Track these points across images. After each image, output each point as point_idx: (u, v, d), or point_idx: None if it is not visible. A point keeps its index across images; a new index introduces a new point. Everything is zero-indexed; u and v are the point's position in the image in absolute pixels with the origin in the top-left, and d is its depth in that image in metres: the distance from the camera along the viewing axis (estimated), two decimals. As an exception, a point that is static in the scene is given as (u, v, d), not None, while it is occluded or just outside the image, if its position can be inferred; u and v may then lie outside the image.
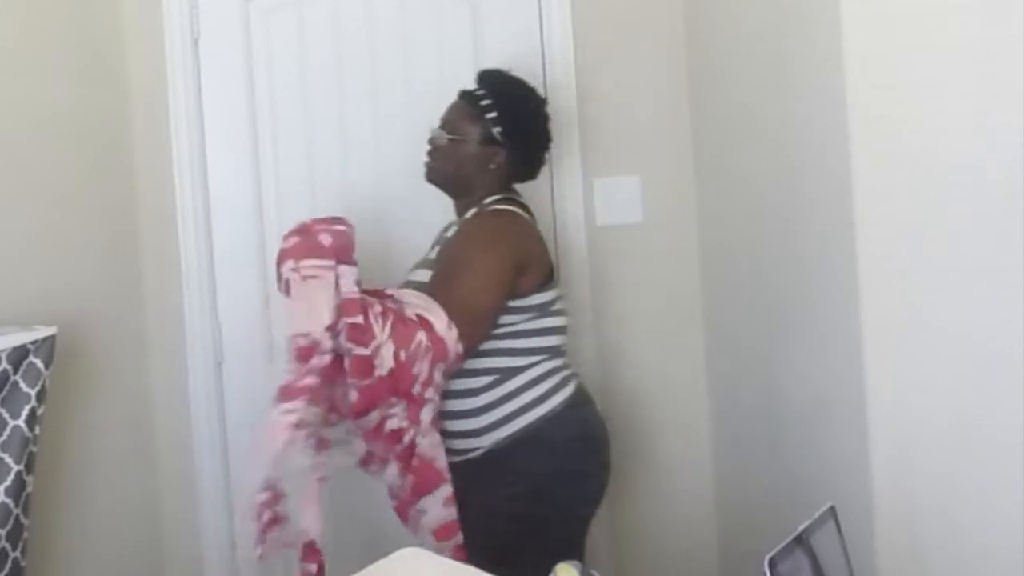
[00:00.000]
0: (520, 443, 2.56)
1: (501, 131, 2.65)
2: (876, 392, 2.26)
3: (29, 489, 2.40)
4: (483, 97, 2.67)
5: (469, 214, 2.66)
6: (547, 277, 2.64)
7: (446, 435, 2.54)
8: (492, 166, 2.67)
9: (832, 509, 1.70)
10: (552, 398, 2.59)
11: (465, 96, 2.70)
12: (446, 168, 2.69)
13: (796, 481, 2.66)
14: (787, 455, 2.73)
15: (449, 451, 2.54)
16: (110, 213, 3.07)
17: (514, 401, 2.58)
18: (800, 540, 1.58)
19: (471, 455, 2.58)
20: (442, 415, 2.53)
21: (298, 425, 2.32)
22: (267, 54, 3.22)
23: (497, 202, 2.66)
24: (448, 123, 2.68)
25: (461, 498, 2.50)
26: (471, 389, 2.57)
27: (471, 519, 2.50)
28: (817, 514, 1.66)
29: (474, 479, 2.56)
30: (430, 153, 2.70)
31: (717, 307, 3.23)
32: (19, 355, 2.36)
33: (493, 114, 2.65)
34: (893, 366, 2.25)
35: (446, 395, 2.53)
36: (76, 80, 2.96)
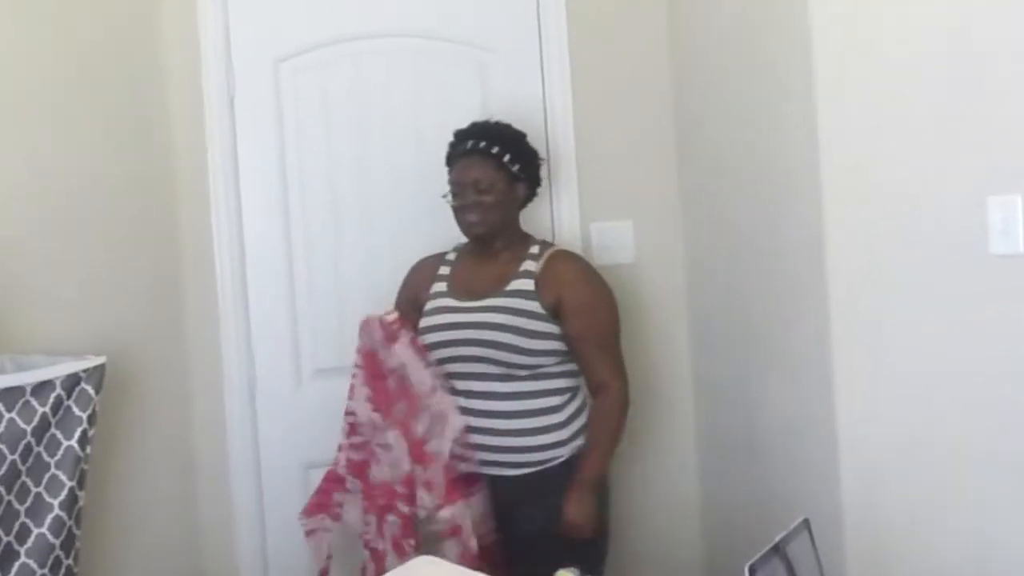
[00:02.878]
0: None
1: (519, 168, 2.72)
2: (845, 413, 2.29)
3: (81, 503, 2.41)
4: (490, 146, 2.70)
5: (544, 254, 2.71)
6: None
7: (528, 450, 2.62)
8: (520, 200, 2.77)
9: (806, 521, 1.71)
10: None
11: (477, 154, 2.71)
12: (496, 220, 2.71)
13: (773, 495, 2.66)
14: (765, 471, 2.73)
15: (524, 464, 2.62)
16: (155, 258, 3.08)
17: (585, 412, 2.69)
18: (777, 549, 1.59)
19: (549, 464, 2.63)
20: (525, 432, 2.62)
21: None
22: (295, 111, 3.22)
23: (549, 245, 2.78)
24: (479, 182, 2.68)
25: (532, 503, 2.60)
26: (554, 406, 2.65)
27: (543, 519, 2.56)
28: (792, 526, 1.68)
29: (549, 485, 2.61)
30: (476, 214, 2.69)
31: (702, 338, 3.23)
32: (72, 382, 2.37)
33: (507, 156, 2.70)
34: (860, 389, 2.27)
35: (529, 414, 2.62)
36: (126, 137, 2.98)
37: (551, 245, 2.78)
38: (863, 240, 2.26)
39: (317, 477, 3.00)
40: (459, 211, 2.72)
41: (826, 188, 2.28)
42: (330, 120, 3.23)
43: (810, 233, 2.33)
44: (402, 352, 2.60)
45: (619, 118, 3.29)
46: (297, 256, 3.22)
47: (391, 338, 2.61)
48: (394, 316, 2.65)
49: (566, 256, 2.74)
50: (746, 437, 2.86)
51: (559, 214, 3.24)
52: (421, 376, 2.59)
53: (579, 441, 2.65)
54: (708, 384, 3.21)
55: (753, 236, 2.73)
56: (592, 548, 2.63)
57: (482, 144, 2.71)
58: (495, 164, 2.70)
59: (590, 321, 2.64)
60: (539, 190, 2.85)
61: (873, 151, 2.24)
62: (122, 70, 3.00)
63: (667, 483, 3.33)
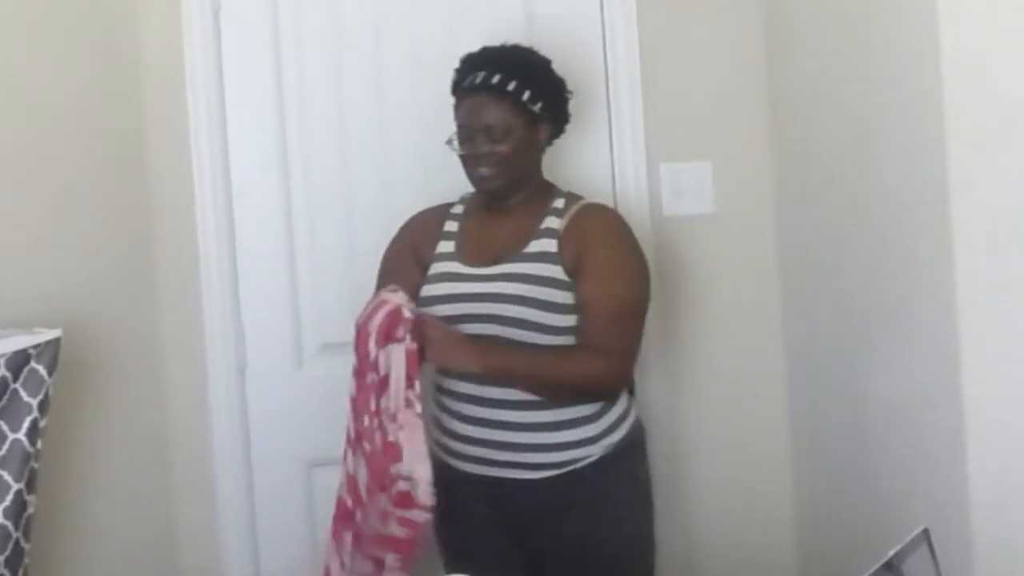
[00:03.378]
0: (626, 447, 2.62)
1: (543, 106, 2.63)
2: (974, 404, 2.23)
3: (31, 510, 2.34)
4: (506, 81, 2.60)
5: (570, 209, 2.63)
6: None
7: (550, 448, 2.56)
8: (543, 143, 2.68)
9: (925, 532, 1.68)
10: (632, 404, 2.69)
11: (489, 91, 2.60)
12: (514, 173, 2.64)
13: (885, 501, 2.65)
14: (875, 472, 2.72)
15: (546, 465, 2.57)
16: (122, 205, 3.05)
17: (617, 406, 2.64)
18: (890, 567, 1.56)
19: (576, 466, 2.57)
20: (547, 427, 2.56)
21: None
22: (295, 25, 3.17)
23: (576, 198, 2.68)
24: (493, 130, 2.60)
25: (555, 514, 2.58)
26: None
27: (571, 533, 2.56)
28: (909, 538, 1.65)
29: (576, 491, 2.58)
30: (490, 166, 2.62)
31: (796, 308, 3.21)
32: (19, 361, 2.30)
33: (527, 93, 2.60)
34: (993, 376, 2.23)
35: (551, 404, 2.56)
36: (84, 59, 2.93)
37: (579, 199, 2.72)
38: (995, 194, 2.20)
39: (322, 477, 2.99)
40: (468, 161, 2.65)
41: (951, 133, 2.20)
42: (340, 38, 3.18)
43: (934, 185, 2.28)
44: (395, 359, 2.48)
45: (695, 35, 3.24)
46: (297, 205, 3.18)
47: (389, 336, 2.47)
48: (414, 313, 2.52)
49: (596, 210, 2.68)
50: (851, 430, 2.84)
51: (621, 153, 3.18)
52: (398, 395, 2.48)
53: (614, 437, 2.61)
54: (804, 364, 3.18)
55: (863, 186, 2.70)
56: (632, 567, 2.63)
57: (496, 79, 2.61)
58: (512, 104, 2.60)
59: (608, 286, 2.56)
60: (568, 127, 2.76)
61: (1006, 97, 2.18)
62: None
63: (753, 485, 3.30)
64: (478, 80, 2.61)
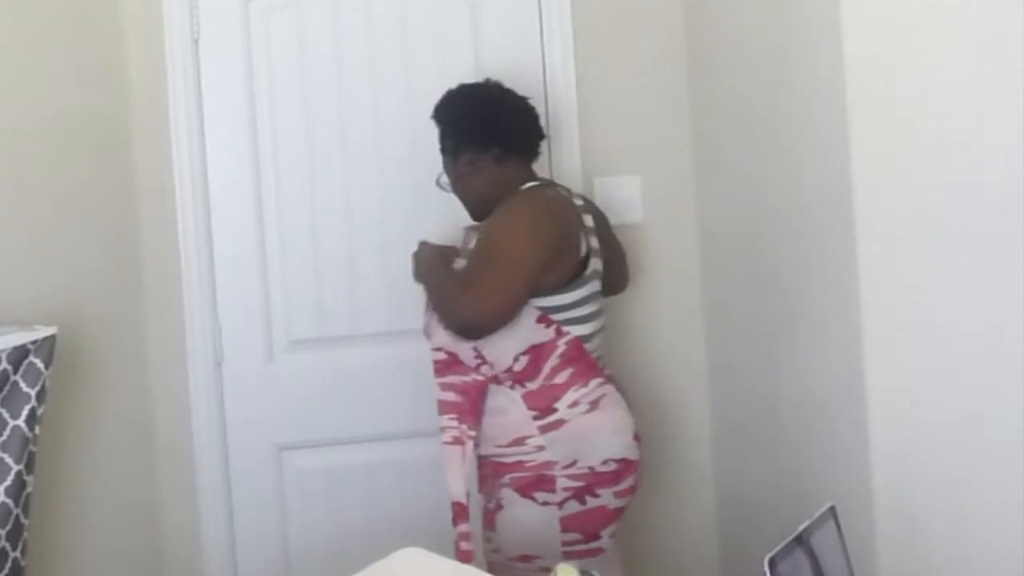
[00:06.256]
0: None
1: (453, 141, 2.71)
2: (876, 390, 2.26)
3: (29, 489, 2.38)
4: (438, 125, 2.74)
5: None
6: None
7: None
8: (484, 166, 2.68)
9: (832, 509, 1.70)
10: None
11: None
12: (474, 200, 2.72)
13: (796, 480, 2.66)
14: (787, 454, 2.73)
15: None
16: (110, 213, 3.05)
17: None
18: (800, 540, 1.58)
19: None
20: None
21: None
22: (267, 54, 3.20)
23: (532, 188, 2.68)
24: (443, 169, 2.74)
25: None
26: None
27: None
28: (817, 514, 1.66)
29: None
30: (462, 201, 2.74)
31: (716, 305, 3.23)
32: (19, 355, 2.33)
33: (447, 128, 2.72)
34: (893, 364, 2.25)
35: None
36: (76, 80, 2.94)
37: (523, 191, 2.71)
38: (896, 197, 2.24)
39: (290, 459, 3.11)
40: None
41: (855, 141, 2.25)
42: (306, 66, 3.21)
43: (838, 189, 2.31)
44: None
45: (625, 62, 3.27)
46: (269, 215, 3.20)
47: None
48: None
49: (511, 198, 2.65)
50: (766, 416, 2.86)
51: (559, 169, 3.22)
52: None
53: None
54: (723, 357, 3.21)
55: (774, 193, 2.71)
56: None
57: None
58: (448, 144, 2.73)
59: (485, 235, 2.57)
60: (526, 140, 2.78)
61: (906, 105, 2.22)
62: (72, 7, 2.97)
63: (678, 471, 3.33)
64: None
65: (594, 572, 1.76)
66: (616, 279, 2.90)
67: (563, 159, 3.23)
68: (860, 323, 2.27)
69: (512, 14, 3.23)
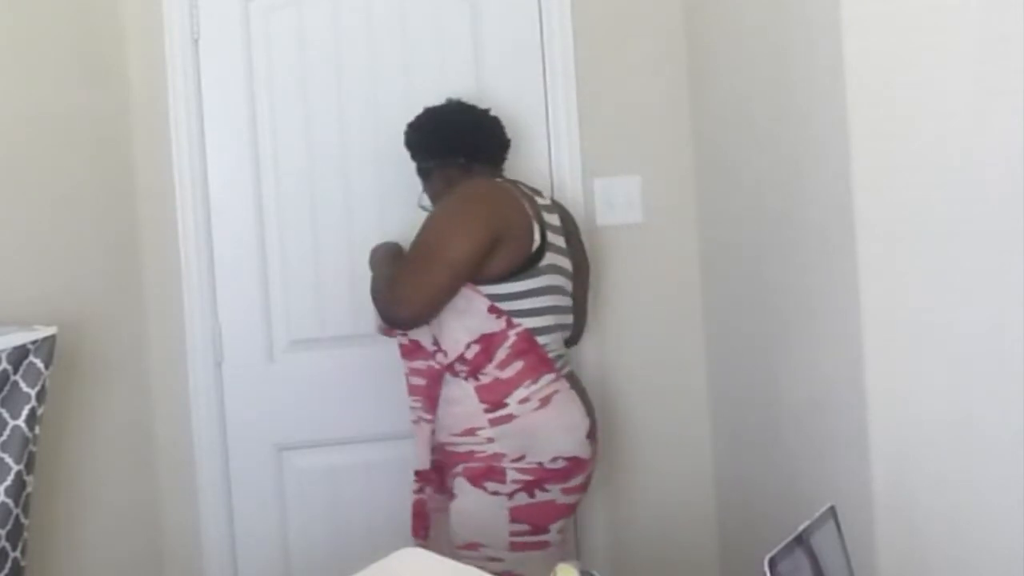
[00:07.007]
0: None
1: (424, 159, 2.81)
2: (876, 391, 2.26)
3: (29, 489, 2.37)
4: (408, 150, 2.83)
5: None
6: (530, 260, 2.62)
7: None
8: (452, 176, 2.74)
9: (832, 509, 1.69)
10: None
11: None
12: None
13: (796, 481, 2.66)
14: (787, 454, 2.73)
15: None
16: (110, 213, 3.04)
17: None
18: (800, 540, 1.57)
19: None
20: None
21: None
22: (267, 54, 3.19)
23: (472, 180, 2.72)
24: (423, 191, 2.82)
25: None
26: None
27: None
28: (817, 514, 1.65)
29: None
30: None
31: (717, 306, 3.22)
32: (19, 355, 2.32)
33: (417, 150, 2.82)
34: (893, 364, 2.25)
35: None
36: (76, 80, 2.94)
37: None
38: (896, 197, 2.23)
39: (290, 459, 3.11)
40: None
41: (854, 141, 2.25)
42: (306, 66, 3.21)
43: (838, 189, 2.31)
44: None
45: (625, 62, 3.27)
46: (269, 215, 3.20)
47: None
48: None
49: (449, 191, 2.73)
50: (766, 416, 2.85)
51: (558, 169, 3.22)
52: None
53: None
54: (723, 358, 3.20)
55: (774, 193, 2.71)
56: None
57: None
58: (422, 168, 2.83)
59: (416, 236, 2.61)
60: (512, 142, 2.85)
61: (905, 106, 2.22)
62: (73, 7, 2.96)
63: (678, 470, 3.32)
64: None
65: (594, 572, 1.75)
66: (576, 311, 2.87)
67: (563, 159, 3.23)
68: (860, 323, 2.27)
69: (512, 14, 3.23)
